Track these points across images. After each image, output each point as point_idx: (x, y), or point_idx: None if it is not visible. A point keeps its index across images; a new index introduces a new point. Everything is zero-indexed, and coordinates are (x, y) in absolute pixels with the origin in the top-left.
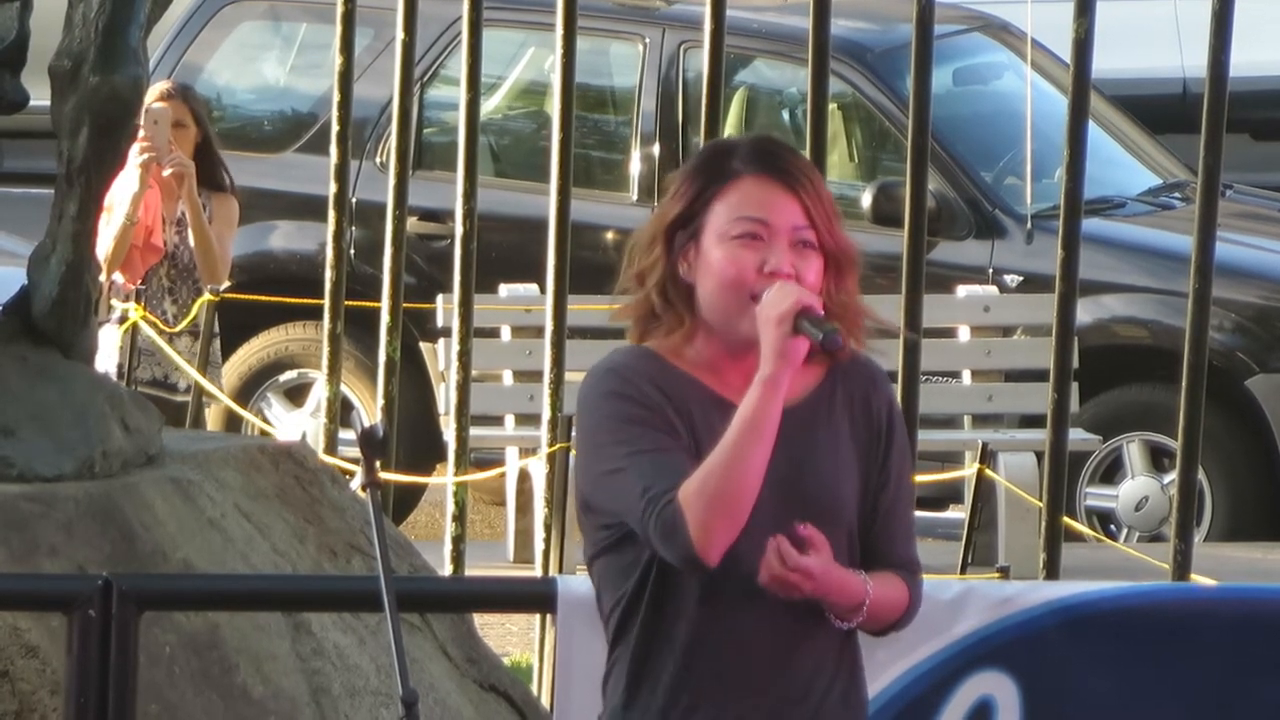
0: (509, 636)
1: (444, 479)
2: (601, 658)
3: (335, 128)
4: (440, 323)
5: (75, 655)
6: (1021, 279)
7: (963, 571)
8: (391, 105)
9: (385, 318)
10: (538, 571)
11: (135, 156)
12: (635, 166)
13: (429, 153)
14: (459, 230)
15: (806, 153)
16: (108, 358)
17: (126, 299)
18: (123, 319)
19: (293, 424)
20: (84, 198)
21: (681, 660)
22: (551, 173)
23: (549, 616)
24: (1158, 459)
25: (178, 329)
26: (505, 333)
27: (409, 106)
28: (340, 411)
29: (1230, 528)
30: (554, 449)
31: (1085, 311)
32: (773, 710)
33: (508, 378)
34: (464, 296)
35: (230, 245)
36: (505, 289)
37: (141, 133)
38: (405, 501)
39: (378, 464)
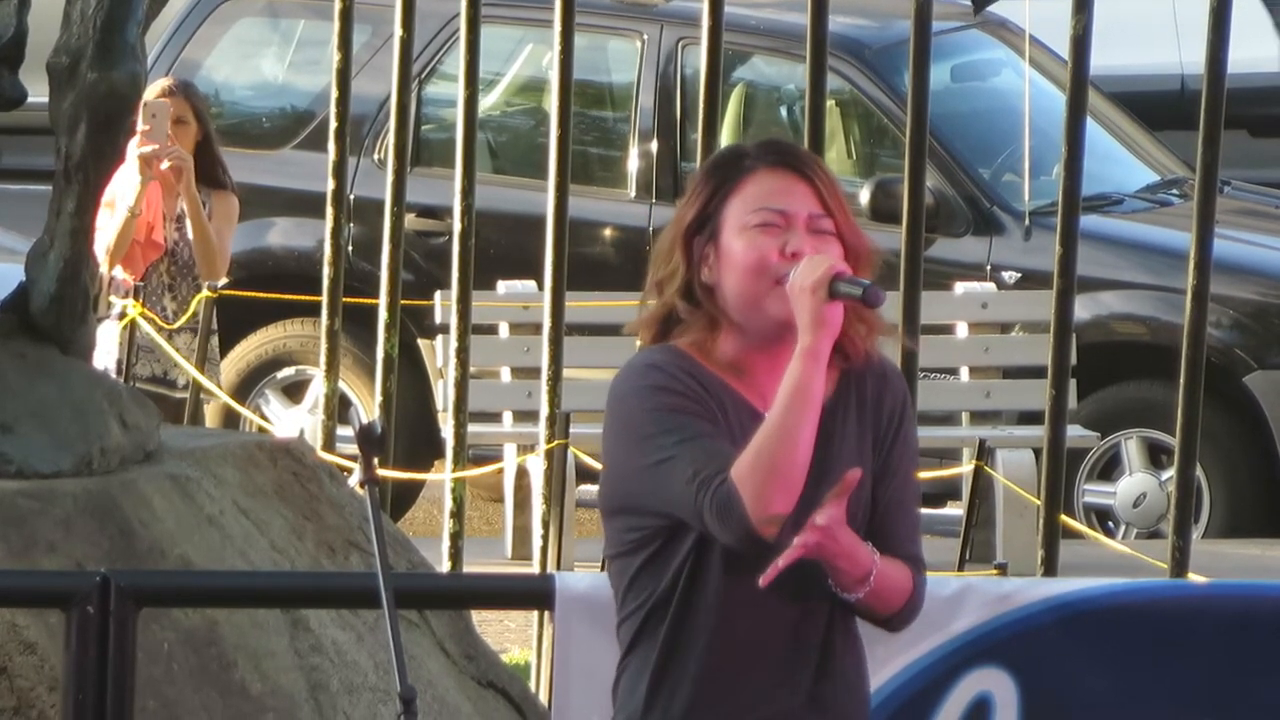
0: (507, 633)
1: (442, 475)
2: (600, 655)
3: (333, 124)
4: (438, 319)
5: (73, 652)
6: (1019, 275)
7: (960, 568)
8: (390, 102)
9: (383, 314)
10: (535, 568)
11: (135, 150)
12: (633, 163)
13: (427, 149)
14: (457, 227)
15: None
16: (105, 354)
17: (126, 295)
18: (122, 315)
19: (291, 421)
20: (82, 194)
21: (705, 664)
22: (549, 169)
23: (547, 613)
24: (1156, 455)
25: (177, 325)
26: (503, 329)
27: (407, 103)
28: (338, 408)
29: (1228, 524)
30: (552, 445)
31: (1083, 308)
32: (790, 713)
33: (506, 374)
34: (462, 293)
35: (229, 242)
36: (503, 286)
37: (141, 126)
38: (403, 498)
39: (376, 461)
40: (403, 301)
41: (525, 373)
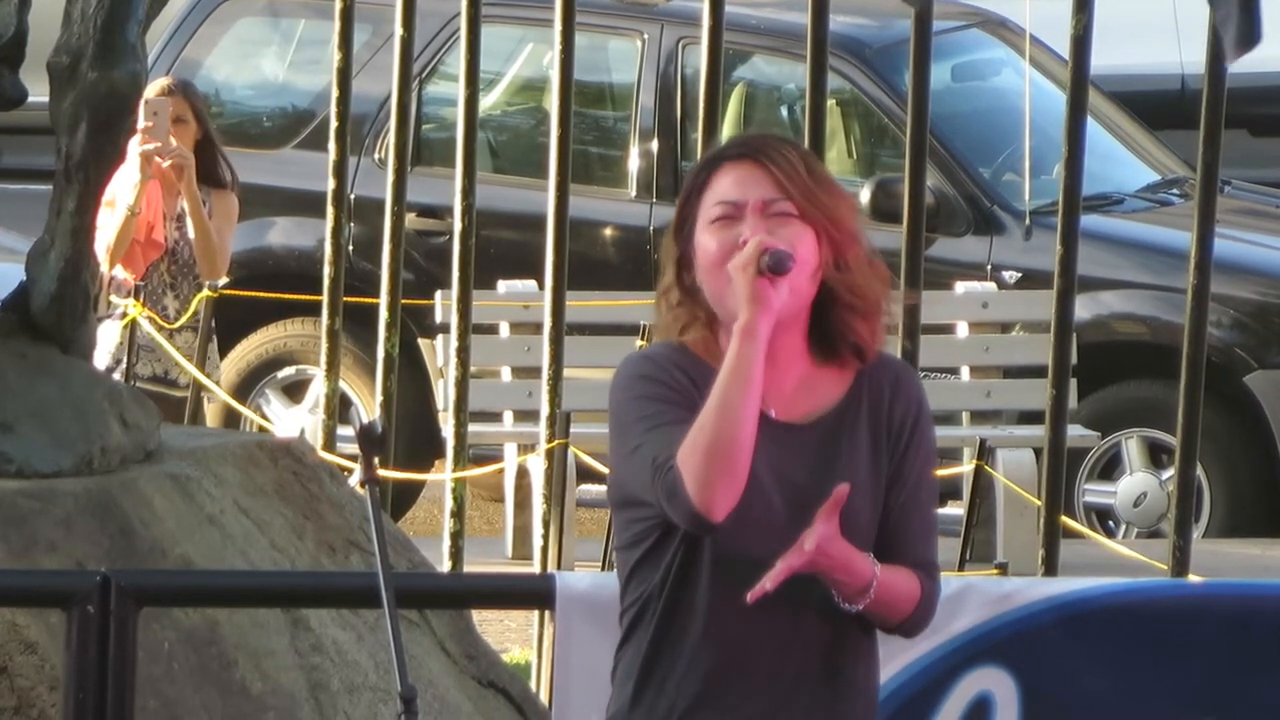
0: (507, 633)
1: (442, 475)
2: (600, 655)
3: (334, 124)
4: (439, 319)
5: (74, 651)
6: (1020, 275)
7: (961, 568)
8: (390, 101)
9: (384, 314)
10: (536, 568)
11: (135, 148)
12: (634, 163)
13: (427, 149)
14: (457, 226)
15: None
16: (105, 353)
17: (127, 295)
18: (123, 315)
19: (291, 420)
20: (82, 193)
21: (692, 660)
22: (550, 169)
23: (547, 613)
24: (1156, 455)
25: (178, 324)
26: (504, 329)
27: (407, 102)
28: (339, 408)
29: (1228, 524)
30: (552, 445)
31: (1084, 308)
32: (782, 713)
33: (506, 374)
34: (462, 293)
35: (230, 241)
36: (504, 285)
37: (142, 124)
38: (403, 497)
39: (376, 460)
40: (403, 301)
41: (526, 372)
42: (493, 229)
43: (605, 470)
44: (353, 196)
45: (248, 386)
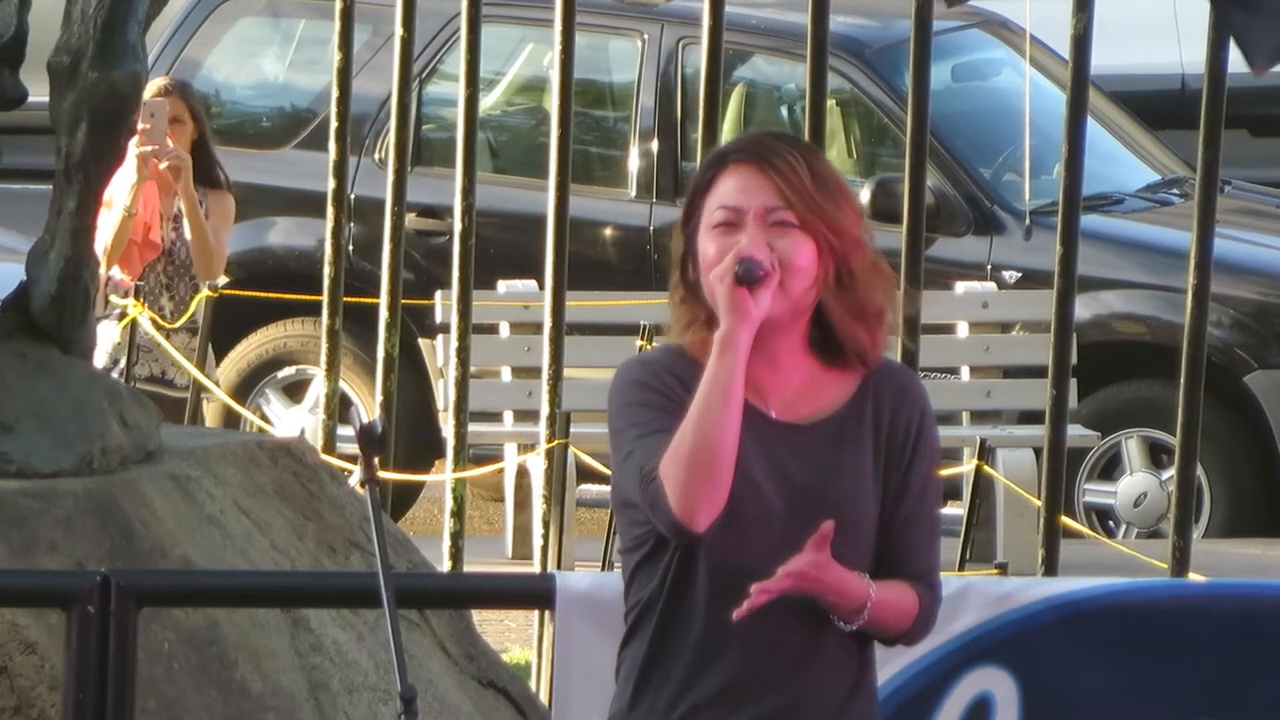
0: (507, 633)
1: (442, 475)
2: (600, 655)
3: (334, 124)
4: (439, 319)
5: (74, 651)
6: (1020, 275)
7: (961, 568)
8: (390, 101)
9: (384, 314)
10: (536, 568)
11: (133, 149)
12: (634, 163)
13: (428, 149)
14: (457, 226)
15: None
16: (102, 353)
17: (125, 295)
18: (122, 315)
19: (291, 420)
20: (83, 193)
21: (691, 662)
22: (550, 169)
23: (547, 613)
24: (1156, 455)
25: (176, 325)
26: (504, 329)
27: (408, 102)
28: (339, 408)
29: (1229, 524)
30: (552, 445)
31: (1084, 307)
32: (782, 714)
33: (506, 374)
34: (462, 293)
35: (226, 241)
36: (504, 285)
37: (140, 125)
38: (404, 498)
39: (376, 460)
40: (403, 301)
41: (526, 372)
42: (493, 229)
43: (605, 470)
44: (353, 196)
45: (248, 387)
